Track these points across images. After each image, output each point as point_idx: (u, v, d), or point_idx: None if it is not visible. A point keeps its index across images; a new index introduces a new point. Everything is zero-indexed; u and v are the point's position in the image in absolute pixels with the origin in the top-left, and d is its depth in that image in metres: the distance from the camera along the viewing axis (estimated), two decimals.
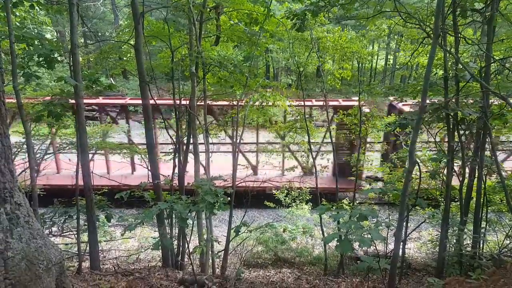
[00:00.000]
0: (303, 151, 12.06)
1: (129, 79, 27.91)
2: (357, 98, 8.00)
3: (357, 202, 10.49)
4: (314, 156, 8.26)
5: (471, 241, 5.68)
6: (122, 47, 7.34)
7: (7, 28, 4.63)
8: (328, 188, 11.75)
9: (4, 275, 2.63)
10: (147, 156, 6.38)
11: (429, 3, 5.36)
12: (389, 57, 31.14)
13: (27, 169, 6.05)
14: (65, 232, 7.49)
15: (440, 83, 5.08)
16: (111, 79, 24.91)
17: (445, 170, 5.51)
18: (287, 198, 9.85)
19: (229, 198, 4.55)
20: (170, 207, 4.10)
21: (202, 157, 6.67)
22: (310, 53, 7.98)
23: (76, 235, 6.28)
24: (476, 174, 5.33)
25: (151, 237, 9.30)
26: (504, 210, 7.22)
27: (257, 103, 7.94)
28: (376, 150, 12.50)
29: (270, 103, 8.02)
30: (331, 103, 12.64)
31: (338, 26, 9.06)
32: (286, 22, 6.50)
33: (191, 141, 6.51)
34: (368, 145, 11.15)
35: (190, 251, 5.61)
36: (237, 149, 7.41)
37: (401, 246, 4.84)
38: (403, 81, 27.11)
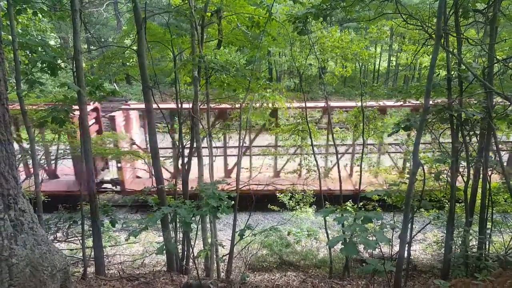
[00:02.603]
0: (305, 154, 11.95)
1: (133, 84, 28.02)
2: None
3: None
4: (316, 159, 8.19)
5: (476, 242, 5.64)
6: (125, 53, 7.37)
7: (10, 35, 4.68)
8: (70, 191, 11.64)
9: (8, 281, 2.63)
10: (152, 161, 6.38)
11: (431, 4, 5.34)
12: (391, 58, 31.08)
13: (32, 175, 6.08)
14: (70, 238, 7.50)
15: (443, 84, 5.06)
16: (115, 84, 25.01)
17: (450, 171, 5.48)
18: (291, 201, 9.83)
19: (233, 202, 4.53)
20: (174, 212, 4.10)
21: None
22: (309, 54, 7.97)
23: (81, 241, 6.29)
24: (481, 174, 5.30)
25: (156, 241, 9.29)
26: (509, 211, 7.18)
27: (257, 104, 7.92)
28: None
29: (270, 104, 8.02)
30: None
31: (335, 26, 9.07)
32: (288, 25, 6.49)
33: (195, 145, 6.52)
34: None
35: (195, 255, 5.60)
36: (241, 153, 7.40)
37: (406, 248, 4.81)
38: (406, 83, 27.05)
